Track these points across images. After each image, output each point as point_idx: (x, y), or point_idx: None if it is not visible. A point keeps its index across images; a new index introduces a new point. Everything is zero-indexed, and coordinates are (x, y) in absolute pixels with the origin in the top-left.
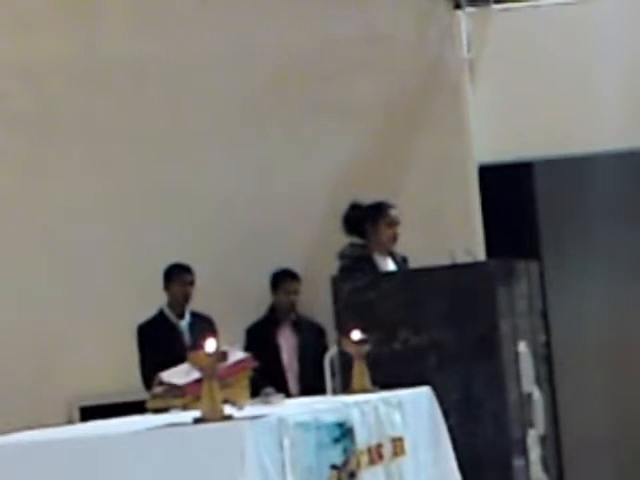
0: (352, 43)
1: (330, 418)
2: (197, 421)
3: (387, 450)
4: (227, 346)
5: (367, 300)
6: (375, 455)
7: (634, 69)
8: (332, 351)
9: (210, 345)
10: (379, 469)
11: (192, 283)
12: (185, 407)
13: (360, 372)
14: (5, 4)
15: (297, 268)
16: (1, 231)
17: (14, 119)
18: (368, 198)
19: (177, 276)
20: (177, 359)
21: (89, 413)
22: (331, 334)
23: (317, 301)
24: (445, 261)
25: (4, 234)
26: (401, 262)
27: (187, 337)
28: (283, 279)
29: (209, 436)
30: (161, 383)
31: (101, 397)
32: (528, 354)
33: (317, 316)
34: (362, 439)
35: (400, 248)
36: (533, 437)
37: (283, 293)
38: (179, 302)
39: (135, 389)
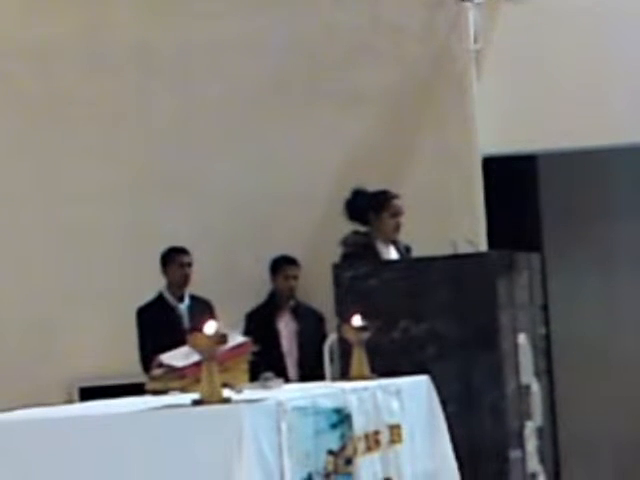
0: (359, 31)
1: (328, 404)
2: (196, 403)
3: (384, 437)
4: (227, 330)
5: (368, 288)
6: (372, 442)
7: None
8: (332, 338)
9: (210, 327)
10: (376, 456)
11: (190, 264)
12: (184, 389)
13: (359, 359)
14: None
15: (298, 254)
16: (1, 212)
17: (20, 101)
18: (372, 187)
19: (174, 258)
20: (176, 342)
21: (88, 394)
22: (331, 321)
23: (318, 288)
24: (447, 251)
25: (4, 215)
26: (404, 251)
27: (186, 320)
28: (282, 264)
29: (207, 418)
30: (160, 365)
31: (101, 378)
32: (527, 346)
33: (317, 303)
34: (359, 426)
35: (403, 237)
36: (530, 429)
37: (282, 278)
38: (178, 284)
39: (134, 371)
